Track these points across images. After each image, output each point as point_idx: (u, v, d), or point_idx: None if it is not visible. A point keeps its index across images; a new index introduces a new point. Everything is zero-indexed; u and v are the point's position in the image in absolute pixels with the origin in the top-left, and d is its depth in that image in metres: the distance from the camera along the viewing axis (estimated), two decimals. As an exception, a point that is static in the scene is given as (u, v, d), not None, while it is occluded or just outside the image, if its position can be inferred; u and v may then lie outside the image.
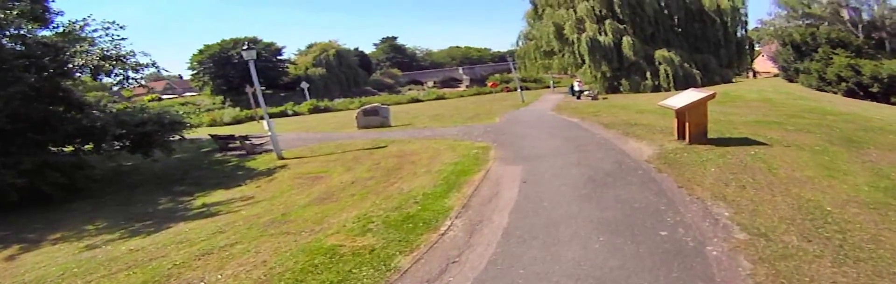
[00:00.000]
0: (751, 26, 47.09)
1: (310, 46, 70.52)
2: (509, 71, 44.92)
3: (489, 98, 45.48)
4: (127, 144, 18.88)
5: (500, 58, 50.70)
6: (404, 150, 17.68)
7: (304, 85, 49.73)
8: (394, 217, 9.16)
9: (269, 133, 20.40)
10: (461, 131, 21.36)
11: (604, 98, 34.59)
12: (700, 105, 12.75)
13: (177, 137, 20.35)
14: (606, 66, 39.06)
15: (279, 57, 64.61)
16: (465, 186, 11.08)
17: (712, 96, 12.79)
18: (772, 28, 52.61)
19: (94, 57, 17.39)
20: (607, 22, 39.18)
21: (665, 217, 7.93)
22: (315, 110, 44.88)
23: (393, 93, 63.53)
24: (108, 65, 17.75)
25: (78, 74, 18.37)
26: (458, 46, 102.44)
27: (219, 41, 59.56)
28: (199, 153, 24.09)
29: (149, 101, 58.92)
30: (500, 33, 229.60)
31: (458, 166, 13.20)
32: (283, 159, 19.97)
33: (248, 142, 22.86)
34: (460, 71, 75.62)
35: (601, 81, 39.99)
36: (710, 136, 13.35)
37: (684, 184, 9.74)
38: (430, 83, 73.61)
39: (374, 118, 27.67)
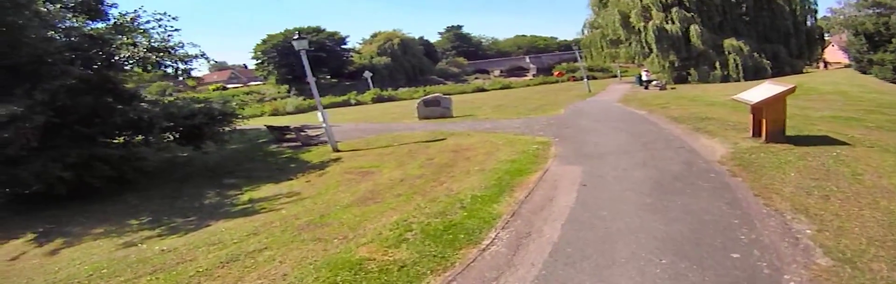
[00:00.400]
0: (820, 15, 45.65)
1: (374, 36, 70.30)
2: (576, 60, 43.53)
3: (555, 88, 44.11)
4: (176, 136, 18.74)
5: (567, 47, 49.41)
6: (461, 144, 16.74)
7: (368, 74, 49.47)
8: (435, 225, 8.29)
9: (324, 125, 19.83)
10: (523, 123, 20.24)
11: (672, 88, 33.49)
12: (778, 100, 11.50)
13: (228, 128, 20.07)
14: (674, 55, 38.23)
15: (343, 46, 64.79)
16: (519, 188, 10.11)
17: (792, 90, 11.48)
18: (841, 17, 51.60)
19: (141, 49, 17.21)
20: (674, 10, 38.24)
21: (738, 235, 6.85)
22: (378, 100, 44.55)
23: (458, 82, 62.57)
24: (154, 57, 17.55)
25: (127, 67, 18.25)
26: (523, 35, 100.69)
27: (282, 31, 60.12)
28: (255, 144, 23.93)
29: (213, 90, 60.42)
30: (567, 22, 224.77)
31: (514, 165, 12.21)
32: (337, 151, 19.43)
33: (302, 133, 22.47)
34: (527, 60, 74.04)
35: (669, 70, 39.15)
36: (787, 133, 12.12)
37: (761, 192, 8.58)
38: (497, 72, 72.35)
39: (435, 109, 26.84)
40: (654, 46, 38.52)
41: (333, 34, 62.15)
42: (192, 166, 20.32)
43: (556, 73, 51.76)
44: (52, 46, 16.10)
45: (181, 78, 20.76)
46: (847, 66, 45.32)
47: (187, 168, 20.14)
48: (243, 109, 21.12)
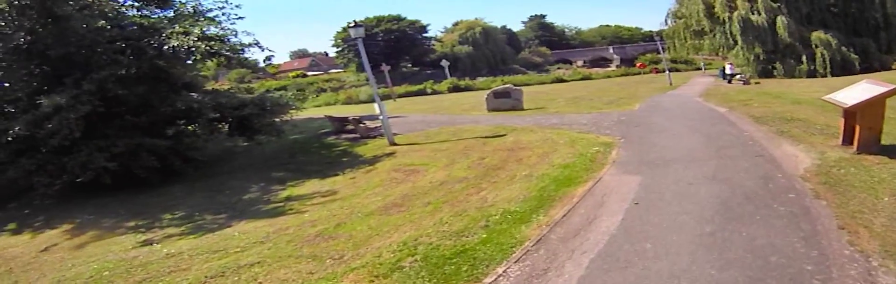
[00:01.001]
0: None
1: (456, 24, 68.87)
2: (659, 51, 41.00)
3: (636, 80, 41.68)
4: (226, 127, 18.31)
5: (651, 38, 46.51)
6: (519, 141, 15.37)
7: (445, 63, 48.34)
8: (443, 250, 7.07)
9: (381, 117, 18.89)
10: (593, 119, 18.57)
11: (756, 83, 31.37)
12: (877, 104, 9.53)
13: (281, 119, 19.47)
14: (759, 47, 36.03)
15: (424, 34, 64.00)
16: (560, 203, 8.71)
17: (894, 92, 9.39)
18: None
19: (190, 38, 16.76)
20: (759, 0, 35.71)
21: (808, 288, 5.22)
22: (455, 89, 43.49)
23: (541, 72, 60.52)
24: (203, 46, 17.06)
25: (183, 56, 17.89)
26: (607, 25, 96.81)
27: (362, 19, 59.94)
28: (316, 135, 23.38)
29: (293, 77, 61.30)
30: (652, 12, 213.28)
31: (565, 171, 10.79)
32: (394, 145, 18.53)
33: (361, 125, 21.66)
34: (610, 50, 70.97)
35: (753, 64, 36.93)
36: (882, 141, 10.17)
37: (847, 223, 6.80)
38: (580, 62, 69.70)
39: (505, 101, 25.38)
40: (738, 38, 36.21)
41: (414, 22, 61.40)
42: (246, 158, 20.02)
43: (638, 64, 48.98)
44: (102, 37, 16.02)
45: (233, 67, 20.34)
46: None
47: (241, 159, 19.87)
48: (302, 100, 20.56)
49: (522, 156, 13.09)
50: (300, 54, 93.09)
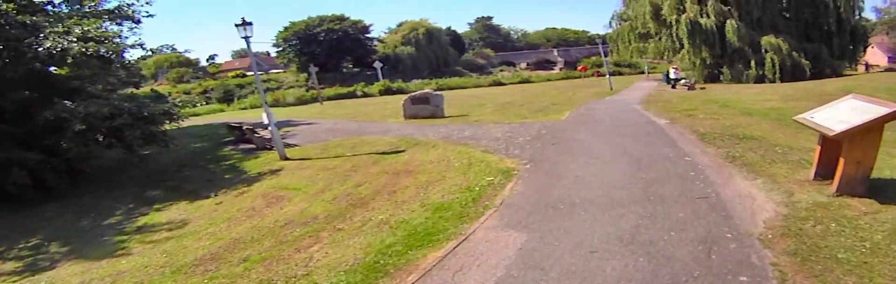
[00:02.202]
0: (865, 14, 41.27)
1: (400, 25, 65.43)
2: (603, 54, 39.35)
3: (578, 83, 39.38)
4: (99, 138, 15.32)
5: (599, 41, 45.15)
6: (412, 162, 12.66)
7: (378, 64, 45.31)
8: None
9: (271, 128, 16.18)
10: (510, 131, 15.90)
11: (701, 88, 29.41)
12: (873, 130, 6.44)
13: (161, 129, 16.53)
14: (707, 52, 34.03)
15: (367, 35, 60.69)
16: (397, 277, 6.05)
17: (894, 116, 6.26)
18: (886, 16, 48.46)
19: (67, 39, 13.97)
20: (710, 3, 33.93)
21: None
22: (387, 92, 40.59)
23: (484, 74, 57.87)
24: (78, 47, 14.20)
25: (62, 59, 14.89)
26: (554, 28, 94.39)
27: (305, 18, 56.53)
28: (217, 143, 20.54)
29: (232, 77, 57.44)
30: (600, 15, 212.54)
31: (433, 217, 7.73)
32: (286, 160, 15.92)
33: (257, 136, 18.88)
34: (555, 53, 69.10)
35: (700, 68, 35.12)
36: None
37: None
38: (524, 65, 67.42)
39: (423, 107, 22.75)
40: (686, 41, 33.94)
41: (357, 22, 57.79)
42: (137, 170, 17.15)
43: (579, 67, 47.14)
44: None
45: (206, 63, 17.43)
46: (889, 69, 41.64)
47: (132, 171, 17.10)
48: (181, 107, 17.58)
49: (402, 185, 10.35)
50: (242, 54, 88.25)
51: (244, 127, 19.36)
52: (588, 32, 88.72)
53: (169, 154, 18.97)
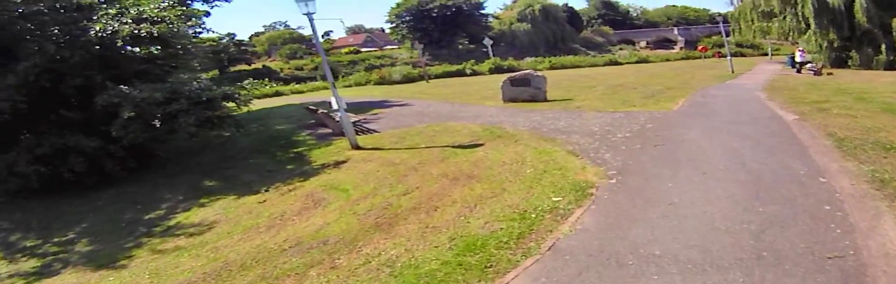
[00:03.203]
0: None
1: (515, 1, 61.36)
2: (724, 34, 34.07)
3: (696, 64, 34.71)
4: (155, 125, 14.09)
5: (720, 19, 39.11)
6: (481, 163, 10.29)
7: (488, 42, 42.32)
8: None
9: (340, 115, 14.34)
10: (610, 124, 13.08)
11: (829, 73, 24.98)
12: None
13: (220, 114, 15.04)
14: (834, 33, 28.64)
15: (481, 11, 57.71)
16: None
17: None
18: None
19: (116, 22, 12.96)
20: None
21: None
22: (497, 70, 37.76)
23: (602, 52, 53.35)
24: (128, 28, 13.11)
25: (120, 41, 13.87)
26: (674, 6, 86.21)
27: (418, -6, 54.64)
28: (298, 126, 19.22)
29: (346, 53, 57.03)
30: None
31: (455, 260, 5.44)
32: (357, 148, 14.09)
33: (335, 121, 17.15)
34: (675, 32, 62.17)
35: (826, 51, 29.58)
36: None
37: None
38: (643, 43, 61.34)
39: (524, 90, 20.00)
40: (811, 21, 28.70)
41: (471, -2, 55.42)
42: (211, 153, 16.39)
43: (699, 47, 41.61)
44: (32, 21, 13.23)
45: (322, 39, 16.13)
46: None
47: (205, 155, 16.25)
48: (250, 89, 16.03)
49: (451, 198, 7.92)
50: (356, 30, 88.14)
51: (319, 111, 17.70)
52: (709, 11, 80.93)
53: (249, 137, 17.97)
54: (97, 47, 13.94)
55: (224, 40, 48.63)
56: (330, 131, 16.97)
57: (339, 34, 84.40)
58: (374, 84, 35.46)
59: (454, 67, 39.24)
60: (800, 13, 29.85)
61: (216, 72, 45.30)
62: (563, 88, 23.67)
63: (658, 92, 19.52)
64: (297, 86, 35.79)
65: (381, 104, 22.81)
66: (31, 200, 13.19)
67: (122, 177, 13.84)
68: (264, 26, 72.98)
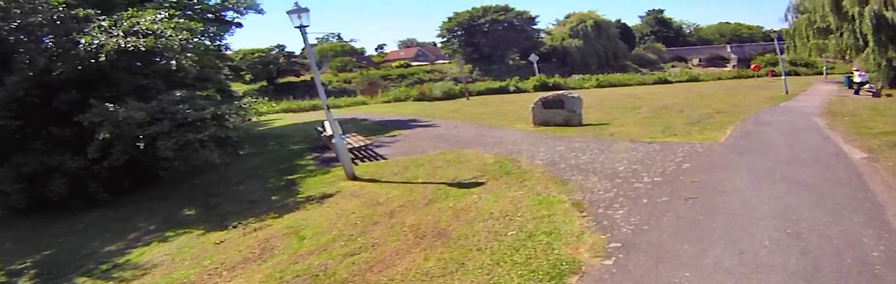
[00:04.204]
0: None
1: (567, 17, 58.86)
2: (778, 52, 30.65)
3: (748, 84, 31.39)
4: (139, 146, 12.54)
5: (772, 37, 35.38)
6: (463, 214, 8.13)
7: (534, 58, 39.74)
8: None
9: (335, 140, 12.48)
10: (640, 160, 10.74)
11: (888, 95, 22.26)
12: None
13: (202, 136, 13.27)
14: (893, 51, 25.56)
15: (533, 26, 55.28)
16: None
17: None
18: None
19: (105, 36, 11.84)
20: None
21: None
22: (541, 87, 35.22)
23: (654, 69, 50.13)
24: (113, 42, 11.97)
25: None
26: (727, 23, 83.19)
27: (469, 9, 52.78)
28: (306, 148, 17.61)
29: (397, 67, 55.78)
30: (775, 9, 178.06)
31: None
32: (353, 179, 12.25)
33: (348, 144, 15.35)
34: (728, 49, 58.07)
35: (885, 70, 26.32)
36: None
37: None
38: (695, 61, 57.53)
39: (557, 113, 17.72)
40: (870, 38, 25.63)
41: (523, 13, 52.68)
42: (203, 176, 14.86)
43: (752, 66, 37.95)
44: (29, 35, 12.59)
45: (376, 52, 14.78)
46: None
47: (201, 178, 14.76)
48: (249, 108, 14.29)
49: (392, 272, 5.84)
50: (408, 44, 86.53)
51: (323, 134, 15.97)
52: (762, 28, 77.09)
53: (259, 157, 16.80)
54: (93, 61, 12.75)
55: (274, 52, 48.41)
56: (335, 155, 15.21)
57: (391, 48, 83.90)
58: (414, 100, 33.69)
59: (498, 84, 37.00)
60: (857, 30, 26.87)
61: (264, 82, 45.03)
62: (605, 109, 21.31)
63: (705, 117, 16.81)
64: (335, 100, 34.45)
65: (406, 125, 20.94)
66: (21, 219, 12.52)
67: (106, 199, 12.64)
68: (318, 38, 72.90)
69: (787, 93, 23.74)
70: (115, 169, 12.70)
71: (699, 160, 10.23)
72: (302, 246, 7.90)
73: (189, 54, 14.14)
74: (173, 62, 13.20)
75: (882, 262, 5.00)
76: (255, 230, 9.43)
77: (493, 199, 8.80)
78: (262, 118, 28.71)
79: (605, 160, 11.08)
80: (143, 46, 12.43)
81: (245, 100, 15.02)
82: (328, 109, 12.58)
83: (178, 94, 13.41)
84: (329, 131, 12.48)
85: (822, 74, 38.08)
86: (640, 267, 5.31)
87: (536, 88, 35.50)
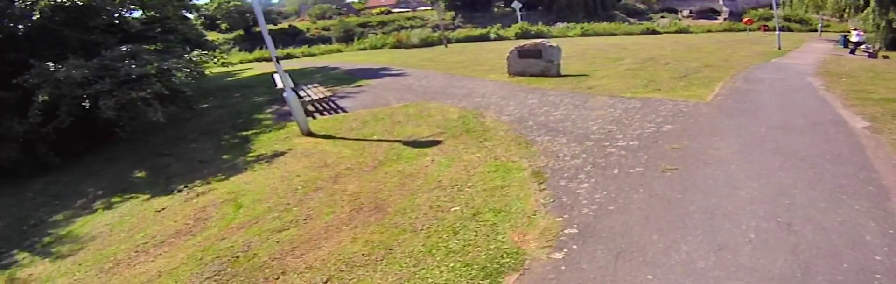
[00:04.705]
0: None
1: (556, -39, 55.63)
2: (773, 6, 28.51)
3: (739, 38, 29.58)
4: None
5: (769, -9, 32.97)
6: (410, 180, 7.14)
7: (516, 5, 37.18)
8: None
9: (285, 95, 11.10)
10: (618, 119, 9.63)
11: (884, 57, 20.62)
12: None
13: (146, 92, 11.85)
14: (894, 12, 23.21)
15: (523, -29, 52.03)
16: None
17: None
18: None
19: None
20: None
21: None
22: (523, 35, 33.26)
23: (642, 20, 47.43)
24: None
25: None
26: None
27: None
28: (269, 100, 16.20)
29: (377, 14, 52.81)
30: None
31: None
32: (308, 135, 11.07)
33: (301, 99, 13.97)
34: (720, 2, 54.92)
35: (884, 32, 24.05)
36: None
37: None
38: (686, 12, 54.30)
39: (534, 63, 16.34)
40: None
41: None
42: (161, 134, 13.73)
43: (745, 19, 35.80)
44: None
45: None
46: None
47: (153, 136, 13.63)
48: (199, 63, 12.79)
49: (312, 257, 4.85)
50: None
51: (277, 87, 14.49)
52: None
53: (221, 109, 15.55)
54: (32, 19, 11.17)
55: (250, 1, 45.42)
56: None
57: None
58: (390, 48, 31.80)
59: (478, 32, 34.98)
60: (859, -13, 24.62)
61: (241, 32, 42.53)
62: (587, 59, 19.85)
63: (693, 71, 15.50)
64: (309, 48, 32.38)
65: (376, 74, 19.48)
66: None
67: (58, 164, 11.53)
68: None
69: (779, 49, 22.23)
70: (67, 131, 11.55)
71: (683, 122, 9.09)
72: (236, 217, 6.89)
73: (132, 6, 12.49)
74: (115, 16, 11.65)
75: (885, 270, 3.99)
76: (198, 196, 8.41)
77: (446, 163, 7.70)
78: (234, 68, 27.03)
79: (578, 118, 9.92)
80: (80, 1, 10.85)
81: (195, 53, 13.47)
82: (277, 61, 11.16)
83: (124, 48, 11.99)
84: (280, 85, 11.07)
85: (816, 31, 36.23)
86: (594, 265, 4.28)
87: (518, 37, 33.62)
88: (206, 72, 23.62)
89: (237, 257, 5.56)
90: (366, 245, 5.18)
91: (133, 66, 11.29)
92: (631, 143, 7.89)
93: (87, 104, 10.78)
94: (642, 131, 8.60)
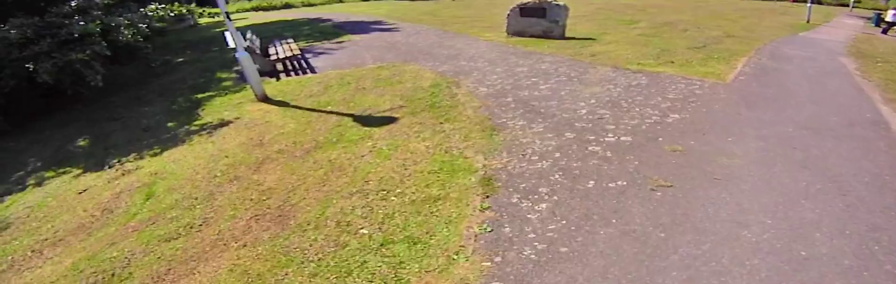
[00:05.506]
0: None
1: None
2: None
3: (766, 7, 26.32)
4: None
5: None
6: (332, 177, 5.81)
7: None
8: None
9: (237, 54, 9.38)
10: (616, 101, 8.04)
11: None
12: None
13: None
14: None
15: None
16: None
17: None
18: None
19: None
20: None
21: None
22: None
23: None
24: None
25: None
26: None
27: None
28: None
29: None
30: None
31: None
32: (264, 100, 9.56)
33: (269, 57, 12.17)
34: None
35: None
36: None
37: None
38: None
39: (536, 22, 14.33)
40: None
41: None
42: (120, 94, 12.16)
43: None
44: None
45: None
46: None
47: (112, 97, 12.04)
48: (150, 18, 11.00)
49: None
50: None
51: (228, 47, 12.67)
52: None
53: (195, 65, 13.77)
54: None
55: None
56: (258, 67, 12.16)
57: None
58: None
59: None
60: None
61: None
62: (598, 20, 17.84)
63: (713, 41, 13.44)
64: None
65: (366, 28, 17.54)
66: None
67: (6, 129, 10.11)
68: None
69: (808, 22, 19.69)
70: (20, 93, 10.09)
71: (693, 110, 7.34)
72: (140, 211, 5.70)
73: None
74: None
75: None
76: (123, 175, 7.22)
77: (386, 152, 6.21)
78: (223, 19, 24.86)
79: (568, 96, 8.21)
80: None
81: (151, 7, 11.60)
82: (227, 16, 9.33)
83: (74, 4, 10.09)
84: (231, 44, 9.33)
85: (847, 6, 32.81)
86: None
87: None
88: (200, 21, 21.44)
89: (112, 275, 4.25)
90: (242, 277, 3.76)
91: (81, 23, 9.59)
92: (622, 139, 6.24)
93: (31, 66, 9.23)
94: (641, 120, 6.91)
